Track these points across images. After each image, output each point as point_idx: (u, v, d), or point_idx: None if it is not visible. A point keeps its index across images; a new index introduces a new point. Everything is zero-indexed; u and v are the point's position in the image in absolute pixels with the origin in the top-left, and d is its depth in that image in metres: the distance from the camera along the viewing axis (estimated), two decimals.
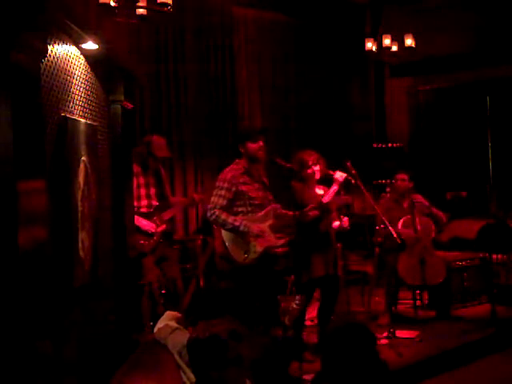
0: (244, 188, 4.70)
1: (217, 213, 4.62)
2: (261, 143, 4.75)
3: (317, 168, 5.10)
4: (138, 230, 5.06)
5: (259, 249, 4.65)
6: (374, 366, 2.40)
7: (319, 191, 5.21)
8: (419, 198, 6.18)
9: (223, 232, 4.72)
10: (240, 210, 4.70)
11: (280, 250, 4.98)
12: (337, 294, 5.15)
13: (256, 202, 4.74)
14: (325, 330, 4.97)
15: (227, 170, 4.79)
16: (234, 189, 4.66)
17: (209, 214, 4.68)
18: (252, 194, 4.73)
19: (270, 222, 4.75)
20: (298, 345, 4.60)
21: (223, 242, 4.75)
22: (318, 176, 5.14)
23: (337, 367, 2.40)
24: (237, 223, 4.61)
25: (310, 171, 5.09)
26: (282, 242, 4.80)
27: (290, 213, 4.99)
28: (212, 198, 4.70)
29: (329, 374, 2.42)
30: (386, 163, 8.58)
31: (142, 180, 5.26)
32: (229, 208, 4.66)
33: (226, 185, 4.67)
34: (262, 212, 4.75)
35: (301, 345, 4.74)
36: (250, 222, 4.66)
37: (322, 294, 5.17)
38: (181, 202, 6.02)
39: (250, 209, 4.71)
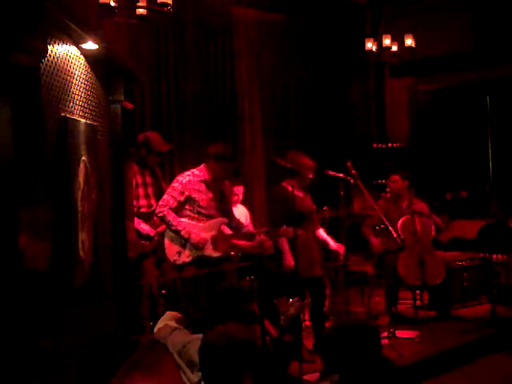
0: (196, 195, 4.83)
1: (165, 212, 4.77)
2: (224, 173, 4.91)
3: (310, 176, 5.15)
4: (138, 233, 5.06)
5: (193, 253, 4.79)
6: (378, 362, 2.40)
7: (300, 193, 5.21)
8: (420, 205, 6.16)
9: (166, 229, 4.90)
10: (188, 213, 4.85)
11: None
12: (324, 295, 5.19)
13: (204, 212, 4.87)
14: (320, 331, 4.99)
15: (187, 173, 4.94)
16: (186, 193, 4.82)
17: (157, 211, 4.83)
18: (202, 203, 4.86)
19: (213, 233, 4.85)
20: (297, 345, 4.59)
21: (162, 238, 4.93)
22: (305, 184, 5.18)
23: (342, 364, 2.39)
24: (179, 227, 4.77)
25: (311, 177, 5.12)
26: (217, 254, 4.87)
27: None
28: (165, 196, 4.85)
29: (333, 371, 2.41)
30: (385, 163, 8.57)
31: (139, 179, 5.27)
32: (178, 209, 4.82)
33: (180, 188, 4.83)
34: (210, 222, 4.86)
35: (300, 345, 4.74)
36: (194, 229, 4.78)
37: (310, 296, 5.16)
38: None
39: (196, 216, 4.85)
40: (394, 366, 2.49)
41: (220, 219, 4.94)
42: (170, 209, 4.78)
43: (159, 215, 4.82)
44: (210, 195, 4.89)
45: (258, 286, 4.77)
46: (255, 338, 2.48)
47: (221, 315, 2.91)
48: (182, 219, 4.82)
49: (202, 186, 4.86)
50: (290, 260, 4.95)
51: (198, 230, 4.81)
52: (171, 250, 4.83)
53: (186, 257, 4.79)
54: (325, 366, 2.49)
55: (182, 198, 4.81)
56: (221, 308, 3.15)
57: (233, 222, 5.09)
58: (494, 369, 4.99)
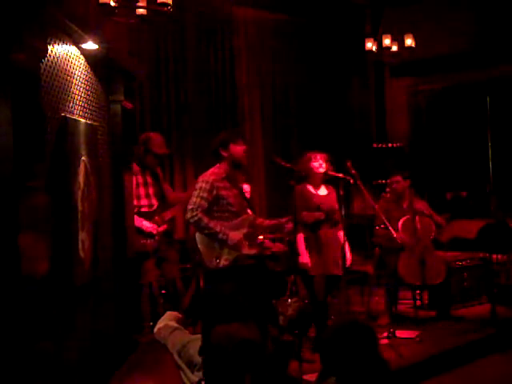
0: (224, 193, 4.61)
1: (199, 215, 4.49)
2: (244, 146, 4.69)
3: (323, 165, 5.12)
4: (140, 231, 5.06)
5: (230, 256, 4.58)
6: (375, 363, 2.40)
7: (323, 191, 5.22)
8: (420, 204, 6.16)
9: (197, 235, 4.63)
10: (217, 215, 4.60)
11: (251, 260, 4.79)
12: (327, 295, 5.19)
13: (233, 209, 4.66)
14: (322, 330, 4.99)
15: (209, 172, 4.69)
16: (214, 192, 4.57)
17: (189, 215, 4.52)
18: (231, 200, 4.64)
19: (244, 230, 4.66)
20: (297, 345, 4.59)
21: (196, 245, 4.67)
22: (321, 174, 5.15)
23: (339, 365, 2.40)
24: (217, 229, 4.52)
25: (314, 167, 5.09)
26: (254, 251, 4.73)
27: (266, 222, 5.00)
28: (194, 199, 4.55)
29: (331, 372, 2.41)
30: (385, 163, 8.57)
31: (140, 179, 5.26)
32: (207, 212, 4.56)
33: (208, 187, 4.56)
34: (238, 220, 4.68)
35: (300, 345, 4.74)
36: (229, 229, 4.58)
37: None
38: (181, 200, 6.00)
39: (226, 215, 4.62)
40: (389, 368, 2.48)
41: (248, 215, 4.78)
42: (203, 211, 4.51)
43: (193, 220, 4.51)
44: (235, 191, 4.72)
45: (258, 286, 4.76)
46: (258, 338, 2.46)
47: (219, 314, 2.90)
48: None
49: (226, 183, 4.65)
50: (305, 258, 4.94)
51: (231, 229, 4.60)
52: (209, 256, 4.58)
53: (224, 260, 4.56)
54: (323, 366, 2.49)
55: (211, 198, 4.54)
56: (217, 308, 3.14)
57: None
58: (495, 369, 4.98)
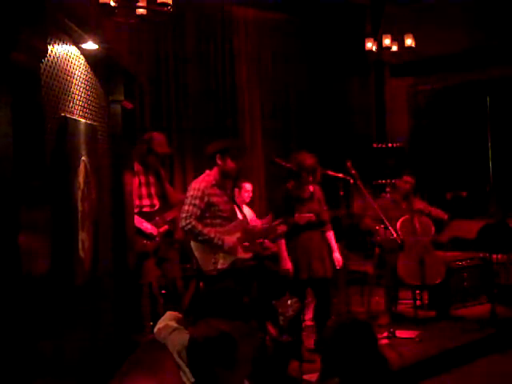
0: (215, 199, 4.66)
1: (193, 223, 4.53)
2: (240, 164, 4.76)
3: (313, 175, 5.11)
4: (141, 232, 5.05)
5: (227, 261, 4.61)
6: (375, 361, 2.40)
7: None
8: (419, 204, 6.19)
9: (192, 243, 4.67)
10: (209, 221, 4.64)
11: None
12: (328, 296, 5.16)
13: (225, 215, 4.70)
14: (323, 329, 4.98)
15: (199, 179, 4.74)
16: (206, 199, 4.61)
17: (184, 224, 4.56)
18: (222, 207, 4.68)
19: (237, 234, 4.69)
20: (297, 345, 4.59)
21: (192, 252, 4.71)
22: (310, 179, 5.14)
23: (339, 364, 2.40)
24: (212, 235, 4.55)
25: (305, 175, 5.08)
26: (249, 255, 4.75)
27: (258, 227, 5.05)
28: (186, 207, 4.59)
29: (332, 371, 2.41)
30: (386, 163, 8.58)
31: (143, 179, 5.24)
32: (199, 219, 4.60)
33: (200, 194, 4.60)
34: (231, 225, 4.71)
35: (300, 345, 4.74)
36: (222, 234, 4.61)
37: (315, 296, 5.18)
38: (183, 200, 6.01)
39: (218, 221, 4.66)
40: (389, 366, 2.48)
41: (241, 220, 4.83)
42: (196, 218, 4.56)
43: (187, 228, 4.56)
44: (225, 198, 4.76)
45: (258, 286, 4.77)
46: (236, 333, 2.43)
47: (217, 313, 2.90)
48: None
49: (217, 190, 4.70)
50: (286, 263, 4.95)
51: (224, 234, 4.64)
52: (206, 261, 4.62)
53: (221, 265, 4.60)
54: (324, 366, 2.49)
55: (203, 205, 4.60)
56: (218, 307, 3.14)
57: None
58: (494, 369, 4.99)
